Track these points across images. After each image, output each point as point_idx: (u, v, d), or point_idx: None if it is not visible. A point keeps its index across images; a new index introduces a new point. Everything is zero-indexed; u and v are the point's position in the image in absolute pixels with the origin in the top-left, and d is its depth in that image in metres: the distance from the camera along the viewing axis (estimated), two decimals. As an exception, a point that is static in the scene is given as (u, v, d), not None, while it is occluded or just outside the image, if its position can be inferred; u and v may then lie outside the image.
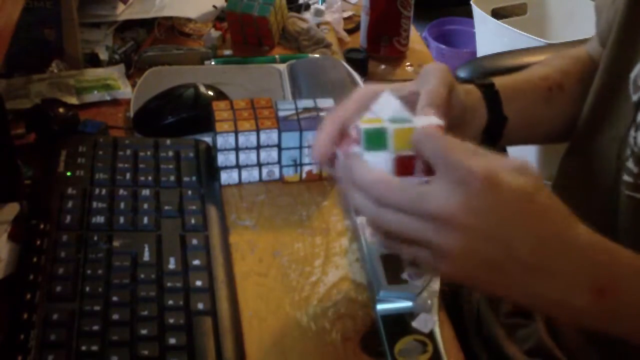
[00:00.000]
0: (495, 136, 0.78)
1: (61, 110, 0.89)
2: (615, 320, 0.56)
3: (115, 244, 0.69)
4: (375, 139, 0.55)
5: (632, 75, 0.71)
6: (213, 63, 1.07)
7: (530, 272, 0.53)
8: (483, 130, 0.76)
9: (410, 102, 0.61)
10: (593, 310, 0.55)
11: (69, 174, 0.77)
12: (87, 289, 0.64)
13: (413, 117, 0.57)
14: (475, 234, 0.51)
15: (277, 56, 1.09)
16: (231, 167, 0.81)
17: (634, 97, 0.70)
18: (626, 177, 0.69)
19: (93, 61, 1.06)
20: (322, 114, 0.81)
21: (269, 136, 0.80)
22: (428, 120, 0.58)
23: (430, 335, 0.64)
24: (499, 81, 0.78)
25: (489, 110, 0.75)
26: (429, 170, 0.54)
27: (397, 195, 0.52)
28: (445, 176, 0.51)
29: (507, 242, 0.52)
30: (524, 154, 1.81)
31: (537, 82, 0.82)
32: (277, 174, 0.83)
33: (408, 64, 1.34)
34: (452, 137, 0.53)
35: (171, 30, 1.16)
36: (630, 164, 0.69)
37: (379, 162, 0.55)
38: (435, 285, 0.67)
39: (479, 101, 0.75)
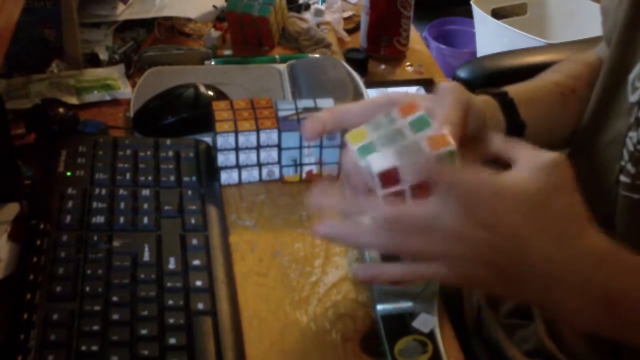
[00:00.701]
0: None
1: (61, 110, 0.89)
2: (627, 330, 0.57)
3: (115, 244, 0.69)
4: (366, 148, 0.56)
5: (631, 76, 0.71)
6: (213, 63, 1.07)
7: (544, 279, 0.54)
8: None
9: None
10: (606, 321, 0.56)
11: (69, 174, 0.77)
12: (87, 289, 0.64)
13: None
14: (487, 244, 0.52)
15: (277, 56, 1.09)
16: (231, 167, 0.81)
17: (632, 99, 0.70)
18: (624, 178, 0.69)
19: (93, 61, 1.06)
20: (322, 114, 0.81)
21: (269, 136, 0.80)
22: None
23: (430, 335, 0.64)
24: (512, 89, 0.78)
25: (506, 117, 0.75)
26: (417, 195, 0.55)
27: (407, 223, 0.53)
28: (450, 194, 0.52)
29: (521, 251, 0.52)
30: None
31: (550, 88, 0.82)
32: (277, 174, 0.83)
33: (408, 64, 1.34)
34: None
35: (171, 30, 1.16)
36: (628, 165, 0.69)
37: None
38: (435, 285, 0.67)
39: (496, 111, 0.75)
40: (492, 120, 0.74)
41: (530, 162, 0.53)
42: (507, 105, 0.76)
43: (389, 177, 0.55)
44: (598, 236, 0.54)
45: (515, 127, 0.76)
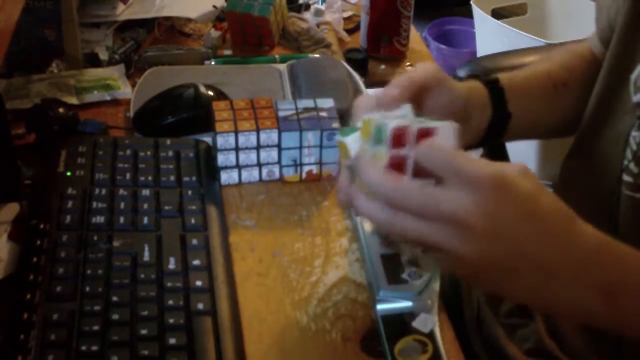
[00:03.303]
0: (498, 132, 0.78)
1: (61, 110, 0.89)
2: (625, 321, 0.56)
3: (115, 244, 0.69)
4: (377, 134, 0.55)
5: (633, 76, 0.71)
6: (213, 63, 1.07)
7: (541, 272, 0.53)
8: (487, 127, 0.76)
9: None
10: (603, 311, 0.55)
11: (69, 174, 0.77)
12: (87, 289, 0.64)
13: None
14: (486, 236, 0.51)
15: (277, 56, 1.09)
16: (231, 167, 0.81)
17: (635, 98, 0.70)
18: (627, 178, 0.69)
19: (93, 61, 1.06)
20: (322, 114, 0.81)
21: (269, 136, 0.80)
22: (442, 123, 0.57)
23: (430, 335, 0.64)
24: (504, 77, 0.78)
25: (493, 107, 0.76)
26: (419, 173, 0.54)
27: (408, 196, 0.52)
28: (454, 181, 0.51)
29: (518, 244, 0.52)
30: (525, 154, 1.82)
31: (542, 79, 0.82)
32: (277, 174, 0.83)
33: (408, 64, 1.34)
34: (453, 148, 0.53)
35: (171, 30, 1.16)
36: (630, 164, 0.69)
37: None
38: (435, 285, 0.67)
39: (484, 98, 0.76)
40: (476, 106, 0.74)
41: (503, 168, 0.52)
42: (496, 94, 0.77)
43: (399, 137, 0.54)
44: (587, 228, 0.54)
45: (501, 117, 0.76)
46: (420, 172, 0.54)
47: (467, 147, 0.78)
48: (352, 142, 0.57)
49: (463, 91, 0.72)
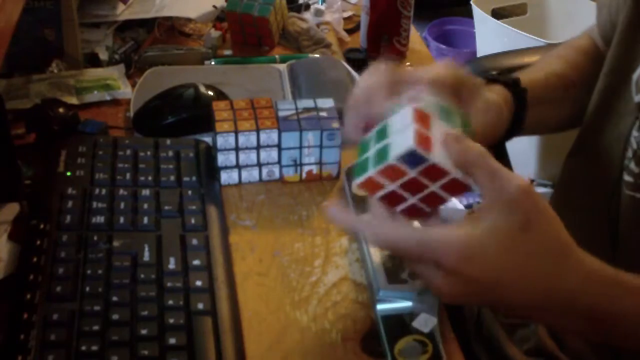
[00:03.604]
0: (510, 135, 0.77)
1: (61, 110, 0.89)
2: (615, 340, 0.58)
3: (115, 244, 0.69)
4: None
5: (635, 76, 0.71)
6: (213, 63, 1.07)
7: (527, 309, 0.56)
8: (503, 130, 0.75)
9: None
10: (593, 334, 0.58)
11: (69, 174, 0.77)
12: (87, 289, 0.64)
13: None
14: (472, 283, 0.53)
15: (277, 56, 1.09)
16: (231, 167, 0.81)
17: (636, 98, 0.70)
18: (627, 177, 0.69)
19: (93, 61, 1.06)
20: (322, 114, 0.81)
21: (269, 136, 0.80)
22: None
23: (430, 335, 0.64)
24: (525, 78, 0.77)
25: (513, 116, 0.75)
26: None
27: (401, 246, 0.55)
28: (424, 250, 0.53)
29: (501, 290, 0.53)
30: (525, 154, 1.81)
31: (556, 80, 0.82)
32: (277, 174, 0.83)
33: (408, 64, 1.34)
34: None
35: (171, 30, 1.16)
36: (631, 164, 0.69)
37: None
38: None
39: (510, 108, 0.74)
40: (497, 113, 0.73)
41: (496, 196, 0.52)
42: (520, 103, 0.75)
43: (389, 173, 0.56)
44: (578, 257, 0.54)
45: (518, 124, 0.76)
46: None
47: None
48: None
49: (496, 101, 0.71)
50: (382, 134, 0.58)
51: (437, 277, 0.54)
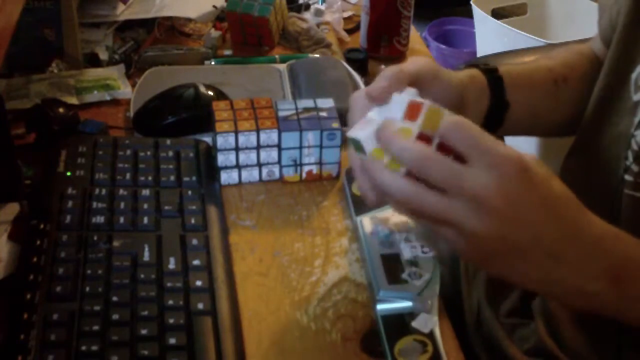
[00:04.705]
0: (495, 122, 0.78)
1: (61, 110, 0.89)
2: (629, 305, 0.58)
3: (115, 244, 0.69)
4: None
5: (634, 75, 0.71)
6: (213, 63, 1.07)
7: (551, 258, 0.54)
8: (484, 116, 0.76)
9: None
10: (608, 296, 0.56)
11: (69, 174, 0.77)
12: (87, 289, 0.64)
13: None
14: (505, 219, 0.52)
15: (277, 56, 1.09)
16: (231, 167, 0.81)
17: (635, 98, 0.70)
18: (627, 177, 0.69)
19: (93, 61, 1.06)
20: (322, 114, 0.81)
21: (269, 136, 0.80)
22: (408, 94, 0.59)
23: (430, 335, 0.64)
24: (504, 67, 0.78)
25: (491, 96, 0.76)
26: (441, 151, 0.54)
27: (434, 166, 0.53)
28: (480, 161, 0.52)
29: (534, 229, 0.53)
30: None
31: (543, 73, 0.82)
32: (277, 174, 0.83)
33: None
34: (478, 127, 0.54)
35: (171, 30, 1.16)
36: (631, 163, 0.69)
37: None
38: (435, 285, 0.67)
39: (482, 86, 0.76)
40: (473, 93, 0.74)
41: (520, 156, 0.53)
42: (495, 82, 0.77)
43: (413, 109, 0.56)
44: (592, 216, 0.56)
45: (499, 107, 0.77)
46: (442, 150, 0.54)
47: None
48: (366, 138, 0.57)
49: (459, 80, 0.72)
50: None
51: (472, 219, 0.52)
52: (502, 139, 1.06)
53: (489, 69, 0.77)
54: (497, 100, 0.77)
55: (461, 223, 0.53)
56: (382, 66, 1.32)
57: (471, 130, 0.53)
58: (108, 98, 0.98)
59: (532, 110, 0.81)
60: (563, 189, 0.55)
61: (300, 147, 0.80)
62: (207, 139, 0.85)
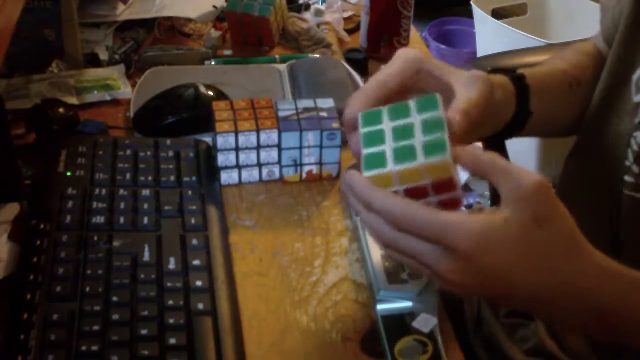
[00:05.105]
0: (517, 129, 0.77)
1: (61, 110, 0.89)
2: (620, 337, 0.58)
3: (115, 244, 0.69)
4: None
5: (635, 76, 0.71)
6: (213, 63, 1.07)
7: (534, 304, 0.56)
8: (506, 123, 0.75)
9: (442, 91, 0.61)
10: (598, 330, 0.57)
11: (69, 174, 0.77)
12: (87, 289, 0.64)
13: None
14: (483, 272, 0.52)
15: (277, 56, 1.09)
16: (231, 167, 0.81)
17: (636, 99, 0.70)
18: (628, 178, 0.69)
19: (93, 61, 1.06)
20: (322, 114, 0.81)
21: (269, 136, 0.80)
22: None
23: (430, 335, 0.64)
24: (529, 74, 0.77)
25: (517, 104, 0.75)
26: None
27: (418, 224, 0.53)
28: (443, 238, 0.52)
29: (510, 283, 0.53)
30: (525, 154, 1.82)
31: (559, 77, 0.82)
32: (277, 174, 0.83)
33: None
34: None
35: (171, 30, 1.16)
36: (632, 164, 0.69)
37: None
38: (435, 285, 0.67)
39: (511, 95, 0.74)
40: (503, 106, 0.73)
41: (511, 194, 0.52)
42: (522, 92, 0.75)
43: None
44: (590, 254, 0.55)
45: (522, 115, 0.76)
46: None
47: (482, 139, 0.79)
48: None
49: (498, 95, 0.71)
50: (406, 130, 0.56)
51: (444, 263, 0.52)
52: (503, 144, 1.06)
53: (517, 77, 0.76)
54: (521, 110, 0.75)
55: (439, 271, 0.53)
56: (382, 66, 1.32)
57: (432, 218, 0.53)
58: (108, 98, 0.98)
59: (549, 114, 0.80)
60: (552, 232, 0.53)
61: (300, 147, 0.80)
62: (207, 139, 0.85)
